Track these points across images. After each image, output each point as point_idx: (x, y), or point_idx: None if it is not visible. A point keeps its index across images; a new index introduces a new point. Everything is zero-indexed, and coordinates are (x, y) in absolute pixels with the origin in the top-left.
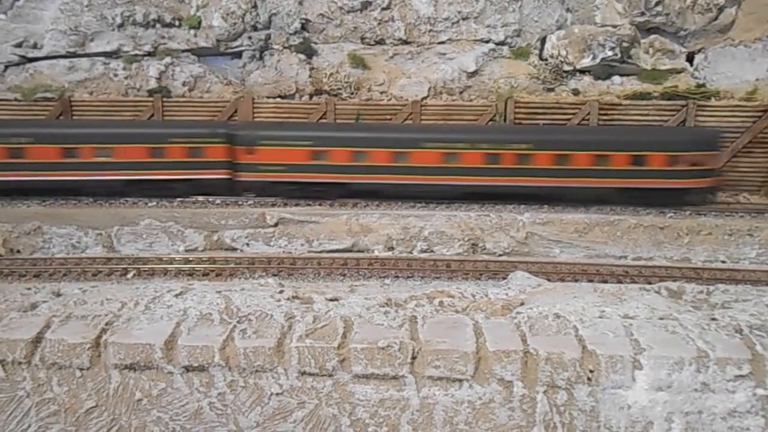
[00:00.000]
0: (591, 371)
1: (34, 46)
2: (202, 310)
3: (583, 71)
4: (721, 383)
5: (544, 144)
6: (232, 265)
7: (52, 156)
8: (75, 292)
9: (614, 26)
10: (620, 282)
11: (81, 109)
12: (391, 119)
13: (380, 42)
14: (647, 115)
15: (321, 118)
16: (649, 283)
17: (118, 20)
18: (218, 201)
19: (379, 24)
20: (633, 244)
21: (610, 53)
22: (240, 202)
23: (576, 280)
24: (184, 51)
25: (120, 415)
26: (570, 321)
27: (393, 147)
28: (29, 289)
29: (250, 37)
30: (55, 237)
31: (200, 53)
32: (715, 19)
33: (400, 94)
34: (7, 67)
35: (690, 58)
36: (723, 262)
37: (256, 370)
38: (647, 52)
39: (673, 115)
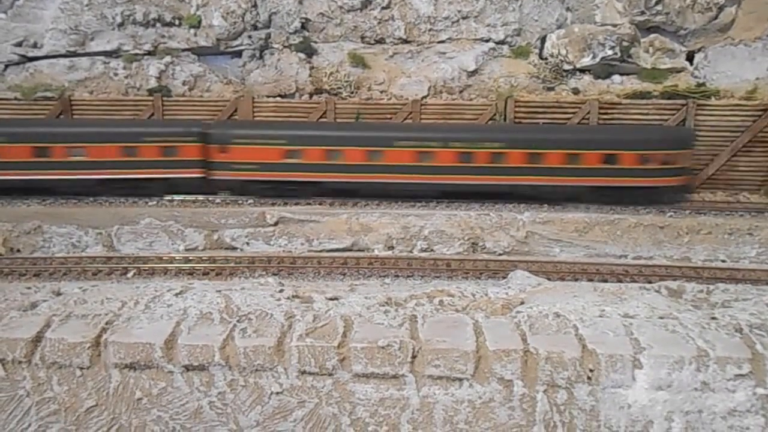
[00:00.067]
0: (591, 370)
1: (34, 46)
2: (202, 309)
3: (583, 70)
4: (721, 382)
5: (517, 143)
6: (232, 265)
7: (25, 155)
8: (75, 292)
9: (614, 25)
10: (620, 281)
11: (81, 108)
12: (391, 118)
13: (380, 41)
14: (647, 114)
15: (321, 117)
16: (649, 283)
17: (118, 19)
18: (218, 200)
19: (379, 23)
20: (633, 243)
21: (610, 52)
22: (240, 202)
23: (576, 280)
24: (184, 50)
25: (120, 414)
26: (570, 320)
27: (367, 146)
28: (29, 288)
29: (250, 36)
30: (55, 236)
31: (200, 52)
32: (715, 18)
33: (400, 93)
34: (7, 66)
35: (690, 57)
36: (723, 261)
37: (257, 369)
38: (647, 51)
39: (673, 114)
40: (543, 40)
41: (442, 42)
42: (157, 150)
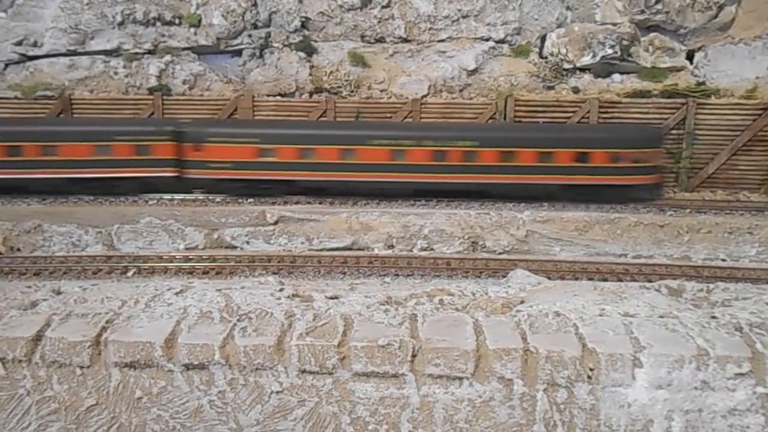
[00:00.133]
0: (591, 369)
1: (35, 45)
2: (202, 308)
3: (583, 69)
4: (721, 381)
5: (490, 141)
6: (232, 264)
7: None
8: (75, 291)
9: (614, 24)
10: (620, 280)
11: (81, 107)
12: (391, 117)
13: (380, 40)
14: (647, 113)
15: (321, 116)
16: (650, 281)
17: (119, 18)
18: (218, 199)
19: (379, 22)
20: (633, 242)
21: (610, 51)
22: (240, 201)
23: (576, 278)
24: (184, 49)
25: (120, 414)
26: (570, 319)
27: (340, 144)
28: (29, 287)
29: (250, 35)
30: (55, 235)
31: (200, 51)
32: (715, 16)
33: (400, 92)
34: (7, 65)
35: (690, 56)
36: (723, 260)
37: (257, 368)
38: (647, 50)
39: (673, 113)
40: (543, 39)
41: (442, 41)
42: (130, 149)
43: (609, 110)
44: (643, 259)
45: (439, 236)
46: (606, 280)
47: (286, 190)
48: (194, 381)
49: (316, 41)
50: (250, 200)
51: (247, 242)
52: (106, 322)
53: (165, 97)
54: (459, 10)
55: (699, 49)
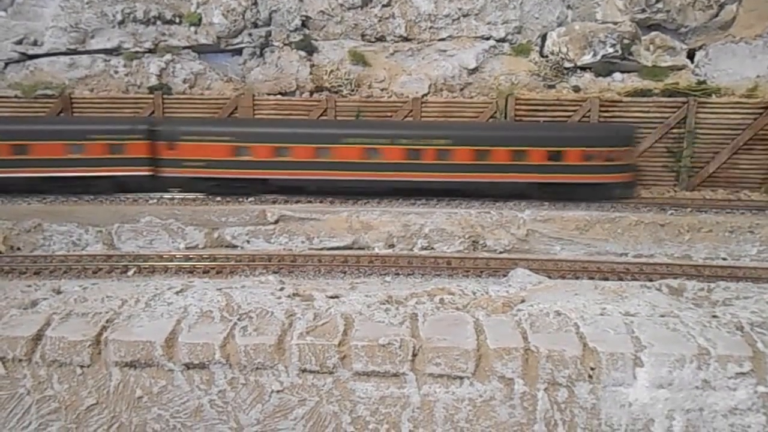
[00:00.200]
0: (592, 368)
1: (35, 43)
2: (202, 307)
3: (583, 68)
4: (722, 380)
5: (463, 140)
6: (232, 263)
7: None
8: (75, 290)
9: (615, 23)
10: (621, 279)
11: (81, 106)
12: (391, 116)
13: (381, 39)
14: (648, 112)
15: (321, 115)
16: (650, 281)
17: (119, 17)
18: (218, 198)
19: (379, 21)
20: (634, 241)
21: (610, 50)
22: (241, 200)
23: (577, 278)
24: (184, 48)
25: (120, 413)
26: (571, 318)
27: (314, 143)
28: (30, 286)
29: (250, 34)
30: (55, 234)
31: (201, 50)
32: (716, 15)
33: (401, 91)
34: (7, 64)
35: (691, 55)
36: (724, 259)
37: (257, 368)
38: (648, 49)
39: (674, 112)
40: (544, 37)
41: (443, 40)
42: (103, 148)
43: (610, 109)
44: (643, 258)
45: (439, 235)
46: (607, 279)
47: (261, 189)
48: (195, 380)
49: (316, 40)
50: (250, 199)
51: (248, 241)
52: (107, 321)
53: (165, 96)
54: (459, 9)
55: (700, 47)
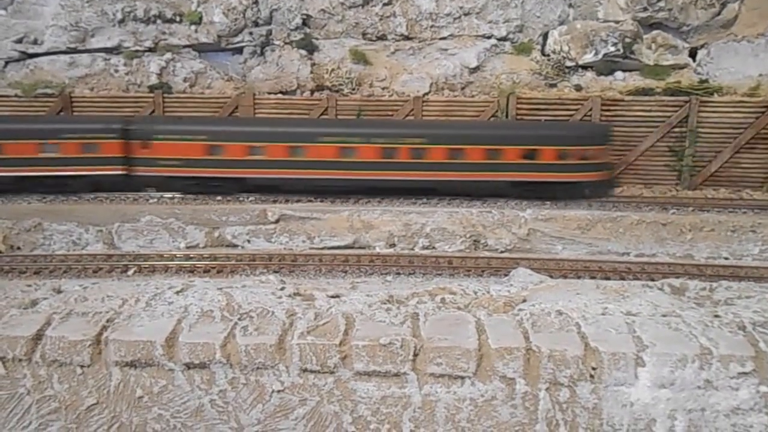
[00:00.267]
0: (594, 368)
1: (35, 42)
2: (203, 307)
3: (585, 67)
4: (725, 380)
5: (438, 138)
6: (233, 262)
7: None
8: (75, 289)
9: (617, 22)
10: (623, 279)
11: (81, 105)
12: (392, 115)
13: (382, 38)
14: (650, 111)
15: (322, 114)
16: (652, 280)
17: (119, 16)
18: (219, 197)
19: (380, 19)
20: (636, 240)
21: (612, 49)
22: (241, 199)
23: (578, 277)
24: (185, 47)
25: (121, 413)
26: (572, 318)
27: (289, 141)
28: (30, 285)
29: (251, 33)
30: (55, 234)
31: (201, 49)
32: (718, 14)
33: (402, 89)
34: (7, 63)
35: (693, 54)
36: (726, 258)
37: (258, 368)
38: (650, 48)
39: (676, 111)
40: (545, 36)
41: (444, 38)
42: (76, 147)
43: (611, 108)
44: (645, 257)
45: (440, 234)
46: (608, 278)
47: (236, 188)
48: (195, 380)
49: (317, 39)
50: (251, 198)
51: (248, 241)
52: (107, 320)
53: (166, 95)
54: (461, 8)
55: (702, 46)
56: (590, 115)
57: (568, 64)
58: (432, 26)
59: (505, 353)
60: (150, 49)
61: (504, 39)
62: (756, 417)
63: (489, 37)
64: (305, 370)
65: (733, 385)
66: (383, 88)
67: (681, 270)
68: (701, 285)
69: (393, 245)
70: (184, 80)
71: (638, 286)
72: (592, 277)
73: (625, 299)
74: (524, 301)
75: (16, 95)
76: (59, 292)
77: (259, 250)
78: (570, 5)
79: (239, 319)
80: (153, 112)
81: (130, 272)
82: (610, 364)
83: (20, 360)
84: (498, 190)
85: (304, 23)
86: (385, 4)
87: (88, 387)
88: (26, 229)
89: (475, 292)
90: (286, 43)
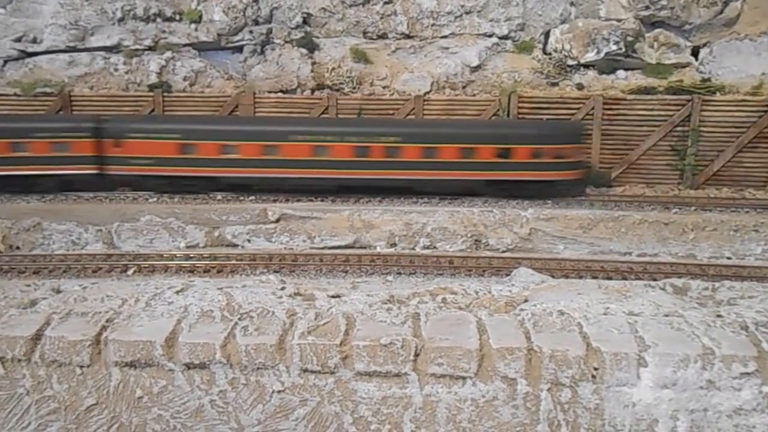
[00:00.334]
0: (595, 369)
1: (34, 41)
2: (203, 307)
3: (587, 65)
4: (727, 380)
5: (413, 137)
6: (233, 262)
7: None
8: (75, 289)
9: (618, 20)
10: (625, 279)
11: (81, 104)
12: (393, 114)
13: (383, 36)
14: (652, 109)
15: (323, 113)
16: (654, 280)
17: (119, 14)
18: (219, 197)
19: (381, 18)
20: (638, 240)
21: (614, 47)
22: (242, 198)
23: (580, 277)
24: (184, 45)
25: (120, 413)
26: (574, 318)
27: (262, 140)
28: (29, 285)
29: (251, 32)
30: (54, 233)
31: (201, 48)
32: (721, 12)
33: (403, 88)
34: (6, 61)
35: (695, 53)
36: (728, 258)
37: (258, 368)
38: (652, 47)
39: (678, 110)
40: (547, 35)
41: (445, 37)
42: (47, 146)
43: (613, 107)
44: (647, 257)
45: (441, 234)
46: (610, 278)
47: (209, 187)
48: (195, 380)
49: (317, 37)
50: (251, 198)
51: (249, 240)
52: (107, 321)
53: (165, 94)
54: (462, 6)
55: (704, 45)
56: (592, 114)
57: (570, 62)
58: (433, 25)
59: (506, 353)
60: (150, 48)
61: (505, 37)
62: (759, 417)
63: (490, 36)
64: (306, 371)
65: (736, 386)
66: (384, 87)
67: (683, 270)
68: (704, 285)
69: (394, 245)
70: (184, 79)
71: (640, 285)
72: (594, 277)
73: (627, 299)
74: (526, 301)
75: (15, 94)
76: (58, 291)
77: (260, 249)
78: (572, 3)
79: (239, 319)
80: (153, 111)
81: (130, 272)
82: (612, 365)
83: (19, 360)
84: (473, 189)
85: (305, 22)
86: (386, 3)
87: (87, 387)
88: (25, 229)
89: (477, 292)
90: (286, 42)
